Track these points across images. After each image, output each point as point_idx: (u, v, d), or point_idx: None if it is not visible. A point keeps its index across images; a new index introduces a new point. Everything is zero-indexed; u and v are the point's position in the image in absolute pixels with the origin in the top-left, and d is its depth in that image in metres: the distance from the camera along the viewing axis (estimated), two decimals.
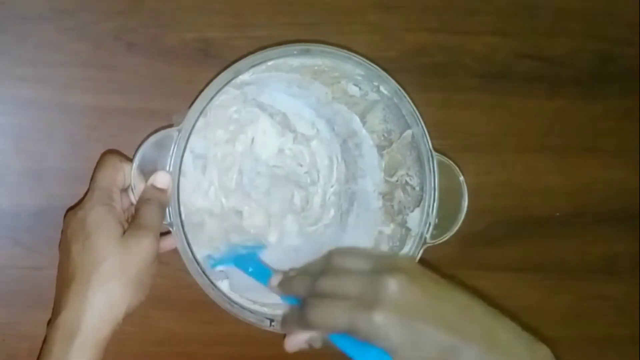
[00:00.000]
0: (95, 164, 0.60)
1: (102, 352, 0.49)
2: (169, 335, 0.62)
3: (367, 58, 0.56)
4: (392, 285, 0.44)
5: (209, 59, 0.62)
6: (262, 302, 0.56)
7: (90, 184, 0.53)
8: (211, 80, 0.52)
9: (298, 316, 0.48)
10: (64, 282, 0.50)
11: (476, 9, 0.68)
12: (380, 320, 0.43)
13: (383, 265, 0.46)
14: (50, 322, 0.50)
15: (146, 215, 0.51)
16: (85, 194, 0.53)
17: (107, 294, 0.48)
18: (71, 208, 0.54)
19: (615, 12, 0.71)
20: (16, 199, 0.60)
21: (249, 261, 0.58)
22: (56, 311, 0.50)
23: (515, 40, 0.69)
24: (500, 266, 0.70)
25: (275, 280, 0.52)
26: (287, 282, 0.52)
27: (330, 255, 0.49)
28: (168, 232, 0.54)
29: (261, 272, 0.56)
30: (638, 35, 0.72)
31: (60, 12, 0.59)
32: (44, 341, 0.50)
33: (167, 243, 0.54)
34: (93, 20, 0.60)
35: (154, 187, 0.52)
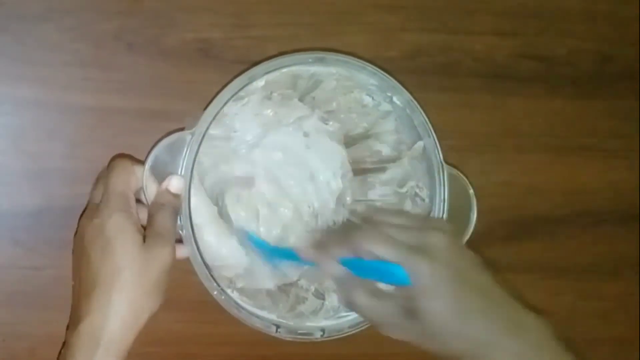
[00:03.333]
0: (95, 164, 0.60)
1: (124, 359, 0.49)
2: (169, 335, 0.62)
3: (367, 59, 0.56)
4: (441, 239, 0.49)
5: (209, 59, 0.62)
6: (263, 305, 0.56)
7: (104, 188, 0.53)
8: (225, 85, 0.52)
9: (340, 236, 0.53)
10: (85, 288, 0.50)
11: (476, 9, 0.68)
12: (427, 269, 0.48)
13: (429, 224, 0.52)
14: (69, 328, 0.50)
15: (163, 221, 0.51)
16: (101, 198, 0.53)
17: (130, 302, 0.48)
18: (82, 214, 0.54)
19: (615, 12, 0.71)
20: (16, 199, 0.60)
21: (272, 252, 0.59)
22: (77, 317, 0.49)
23: (515, 40, 0.69)
24: (500, 266, 0.69)
25: (307, 250, 0.55)
26: (323, 244, 0.54)
27: (371, 213, 0.54)
28: (180, 241, 0.54)
29: (286, 253, 0.57)
30: (638, 35, 0.72)
31: (60, 12, 0.59)
32: (65, 346, 0.49)
33: (181, 253, 0.54)
34: (93, 20, 0.60)
35: (168, 191, 0.52)
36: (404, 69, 0.58)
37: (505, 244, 0.70)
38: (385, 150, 0.61)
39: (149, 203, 0.52)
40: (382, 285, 0.52)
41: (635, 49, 0.72)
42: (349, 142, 0.63)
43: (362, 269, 0.51)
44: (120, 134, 0.61)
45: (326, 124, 0.62)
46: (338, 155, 0.63)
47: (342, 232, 0.54)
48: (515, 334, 0.48)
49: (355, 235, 0.51)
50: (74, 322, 0.50)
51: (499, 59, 0.69)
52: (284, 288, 0.61)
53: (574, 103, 0.71)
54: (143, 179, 0.52)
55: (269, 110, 0.60)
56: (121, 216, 0.50)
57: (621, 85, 0.72)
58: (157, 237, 0.50)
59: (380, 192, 0.62)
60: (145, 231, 0.51)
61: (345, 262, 0.52)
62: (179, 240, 0.53)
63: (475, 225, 0.58)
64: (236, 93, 0.52)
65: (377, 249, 0.50)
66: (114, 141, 0.61)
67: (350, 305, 0.53)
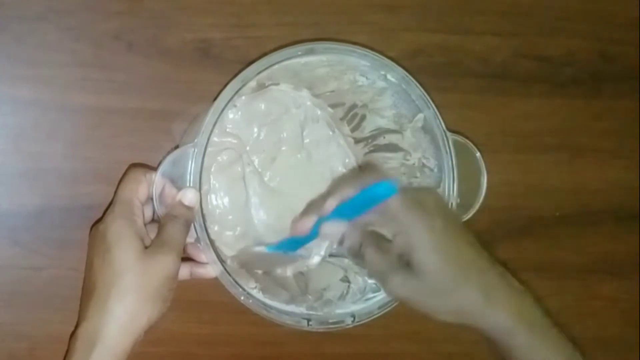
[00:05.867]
0: (95, 164, 0.60)
1: None
2: (168, 335, 0.62)
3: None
4: (431, 195, 0.52)
5: (209, 59, 0.62)
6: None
7: (113, 197, 0.53)
8: (220, 93, 0.52)
9: (353, 176, 0.55)
10: (86, 294, 0.51)
11: (476, 9, 0.68)
12: (420, 218, 0.49)
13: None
14: (72, 333, 0.50)
15: (171, 232, 0.51)
16: (108, 206, 0.53)
17: (127, 306, 0.49)
18: (97, 222, 0.54)
19: (615, 12, 0.71)
20: (16, 199, 0.60)
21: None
22: (78, 322, 0.50)
23: (515, 40, 0.69)
24: None
25: (300, 223, 0.53)
26: (309, 210, 0.54)
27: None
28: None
29: (289, 242, 0.57)
30: (638, 35, 0.72)
31: (60, 12, 0.59)
32: (66, 351, 0.50)
33: (208, 272, 0.54)
34: (93, 20, 0.60)
35: (181, 204, 0.52)
36: (404, 69, 0.58)
37: (505, 244, 0.70)
38: (387, 124, 0.61)
39: (159, 215, 0.53)
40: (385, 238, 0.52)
41: (635, 49, 0.72)
42: (350, 120, 0.64)
43: (355, 206, 0.50)
44: (120, 134, 0.61)
45: (322, 110, 0.63)
46: (339, 147, 0.64)
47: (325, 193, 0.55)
48: (511, 295, 0.49)
49: (341, 181, 0.53)
50: (75, 326, 0.50)
51: (499, 59, 0.69)
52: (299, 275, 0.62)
53: (574, 103, 0.71)
54: (153, 191, 0.52)
55: (261, 105, 0.61)
56: (123, 224, 0.51)
57: (621, 85, 0.72)
58: (161, 245, 0.50)
59: (388, 166, 0.62)
60: (153, 240, 0.51)
61: (337, 213, 0.51)
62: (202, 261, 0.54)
63: (486, 190, 0.57)
64: (232, 98, 0.52)
65: (365, 177, 0.51)
66: (114, 141, 0.61)
67: (359, 260, 0.52)
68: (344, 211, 0.51)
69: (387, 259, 0.50)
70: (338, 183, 0.54)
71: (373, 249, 0.51)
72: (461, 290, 0.49)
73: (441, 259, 0.48)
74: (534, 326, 0.49)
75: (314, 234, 0.53)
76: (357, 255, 0.52)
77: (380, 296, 0.57)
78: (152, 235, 0.52)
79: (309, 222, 0.53)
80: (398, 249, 0.50)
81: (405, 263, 0.49)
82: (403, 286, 0.49)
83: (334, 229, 0.52)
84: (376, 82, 0.58)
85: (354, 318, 0.56)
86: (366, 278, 0.59)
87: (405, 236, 0.49)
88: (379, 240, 0.52)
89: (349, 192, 0.51)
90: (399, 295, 0.50)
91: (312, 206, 0.55)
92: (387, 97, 0.59)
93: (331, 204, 0.51)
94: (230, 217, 0.61)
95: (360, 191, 0.50)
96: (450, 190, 0.57)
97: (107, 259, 0.49)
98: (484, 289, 0.49)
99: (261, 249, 0.59)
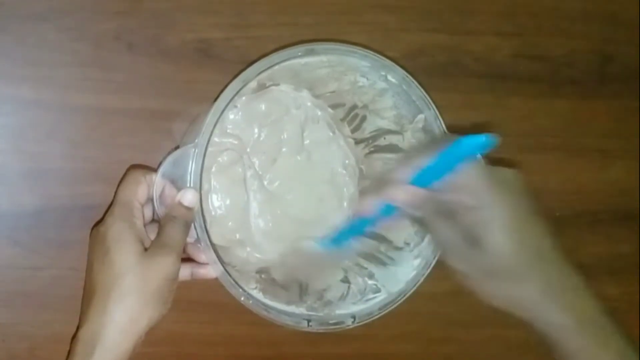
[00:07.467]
0: (95, 164, 0.60)
1: None
2: (169, 335, 0.62)
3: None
4: (514, 174, 0.50)
5: (209, 59, 0.62)
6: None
7: (113, 198, 0.53)
8: (220, 93, 0.52)
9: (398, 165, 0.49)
10: (87, 296, 0.51)
11: (476, 9, 0.68)
12: (500, 198, 0.47)
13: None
14: (73, 336, 0.51)
15: (171, 233, 0.51)
16: (108, 207, 0.53)
17: (127, 308, 0.49)
18: (97, 223, 0.54)
19: (615, 12, 0.71)
20: (16, 199, 0.60)
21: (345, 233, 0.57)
22: (79, 325, 0.50)
23: (515, 40, 0.69)
24: None
25: (371, 198, 0.50)
26: (381, 182, 0.50)
27: None
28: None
29: (350, 229, 0.55)
30: (638, 35, 0.72)
31: (60, 12, 0.59)
32: (67, 354, 0.50)
33: (208, 272, 0.54)
34: (93, 20, 0.60)
35: (181, 204, 0.52)
36: (404, 69, 0.58)
37: None
38: (387, 125, 0.61)
39: (160, 215, 0.53)
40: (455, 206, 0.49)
41: (635, 49, 0.72)
42: (350, 121, 0.64)
43: (438, 167, 0.47)
44: (120, 134, 0.61)
45: (322, 111, 0.63)
46: (339, 148, 0.64)
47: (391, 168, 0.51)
48: (575, 295, 0.48)
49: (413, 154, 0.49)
50: (76, 329, 0.50)
51: (499, 59, 0.69)
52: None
53: (574, 103, 0.71)
54: (154, 192, 0.52)
55: (262, 105, 0.61)
56: (122, 226, 0.50)
57: (621, 85, 0.72)
58: (161, 246, 0.50)
59: (389, 167, 0.61)
60: (152, 241, 0.51)
61: (416, 181, 0.48)
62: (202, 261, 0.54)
63: None
64: (232, 98, 0.52)
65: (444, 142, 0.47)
66: (114, 141, 0.61)
67: (425, 227, 0.51)
68: (422, 178, 0.48)
69: (456, 231, 0.48)
70: (408, 156, 0.51)
71: (442, 219, 0.49)
72: (526, 280, 0.46)
73: (516, 242, 0.46)
74: (594, 330, 0.47)
75: (378, 213, 0.49)
76: (425, 224, 0.50)
77: (381, 297, 0.57)
78: (152, 235, 0.52)
79: (376, 200, 0.49)
80: (470, 223, 0.47)
81: (473, 239, 0.47)
82: (465, 261, 0.48)
83: (415, 195, 0.48)
84: (376, 83, 0.58)
85: (354, 319, 0.57)
86: (366, 279, 0.59)
87: (481, 211, 0.47)
88: (448, 211, 0.49)
89: (426, 158, 0.47)
90: (459, 271, 0.48)
91: (374, 184, 0.51)
92: (388, 98, 0.59)
93: (409, 170, 0.47)
94: (230, 223, 0.61)
95: (450, 145, 0.46)
96: None
97: (107, 261, 0.49)
98: (548, 283, 0.47)
99: (310, 245, 0.57)
